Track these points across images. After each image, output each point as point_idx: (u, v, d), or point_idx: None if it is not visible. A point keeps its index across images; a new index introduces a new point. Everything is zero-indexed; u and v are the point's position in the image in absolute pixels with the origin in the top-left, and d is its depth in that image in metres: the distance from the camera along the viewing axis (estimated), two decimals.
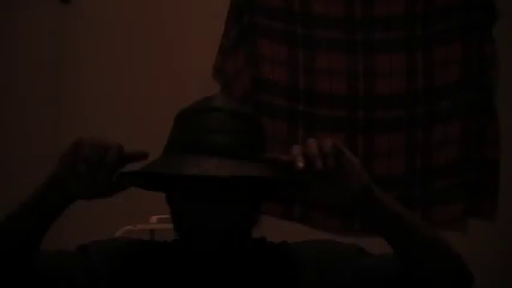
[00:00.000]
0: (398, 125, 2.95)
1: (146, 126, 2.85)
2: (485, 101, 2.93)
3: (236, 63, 2.97)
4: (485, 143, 2.94)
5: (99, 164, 1.33)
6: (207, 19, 2.97)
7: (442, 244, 1.44)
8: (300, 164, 1.27)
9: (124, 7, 2.98)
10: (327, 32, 2.95)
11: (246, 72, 2.96)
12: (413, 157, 2.95)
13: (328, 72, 2.96)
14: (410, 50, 2.94)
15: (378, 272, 1.47)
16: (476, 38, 2.91)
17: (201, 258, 1.49)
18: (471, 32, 2.91)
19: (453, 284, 1.45)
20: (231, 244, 1.46)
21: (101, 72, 2.96)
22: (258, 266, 1.52)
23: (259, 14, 2.96)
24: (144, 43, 2.97)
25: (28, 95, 2.93)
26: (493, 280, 2.90)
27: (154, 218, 2.70)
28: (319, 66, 2.96)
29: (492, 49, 2.92)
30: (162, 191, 1.53)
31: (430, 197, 2.94)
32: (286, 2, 2.95)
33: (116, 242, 1.62)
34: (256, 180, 1.46)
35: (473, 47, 2.91)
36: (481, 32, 2.91)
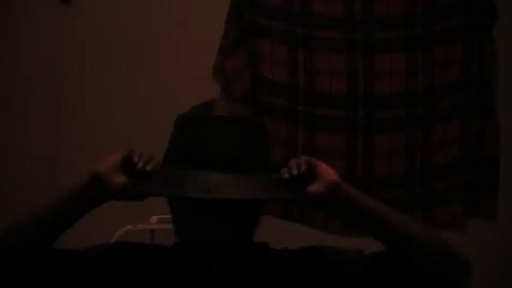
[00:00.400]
0: (398, 125, 2.95)
1: (146, 126, 2.85)
2: (485, 101, 2.93)
3: (236, 63, 2.97)
4: (485, 143, 2.94)
5: (142, 170, 1.43)
6: (207, 19, 2.97)
7: (426, 233, 1.48)
8: (286, 175, 1.47)
9: (124, 7, 2.98)
10: (327, 32, 2.95)
11: (246, 72, 2.96)
12: (413, 157, 2.95)
13: (328, 72, 2.96)
14: (410, 50, 2.94)
15: (379, 273, 1.48)
16: (476, 38, 2.91)
17: (202, 262, 1.49)
18: (471, 32, 2.91)
19: (447, 270, 1.48)
20: (231, 253, 1.46)
21: (100, 72, 2.96)
22: (259, 272, 1.52)
23: (259, 14, 2.96)
24: (143, 43, 2.97)
25: (28, 95, 2.93)
26: (493, 280, 2.90)
27: (154, 218, 2.70)
28: (319, 66, 2.96)
29: (492, 49, 2.92)
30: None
31: (430, 197, 2.94)
32: (286, 2, 2.95)
33: (114, 244, 1.62)
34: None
35: (473, 47, 2.92)
36: (481, 32, 2.91)
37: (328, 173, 1.48)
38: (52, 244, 1.48)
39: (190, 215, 1.46)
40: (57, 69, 2.96)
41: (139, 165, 1.42)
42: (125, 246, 1.58)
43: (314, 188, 1.46)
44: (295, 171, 1.46)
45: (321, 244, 1.59)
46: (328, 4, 2.95)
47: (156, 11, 2.98)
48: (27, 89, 2.94)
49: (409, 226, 1.48)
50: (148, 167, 1.42)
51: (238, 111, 1.51)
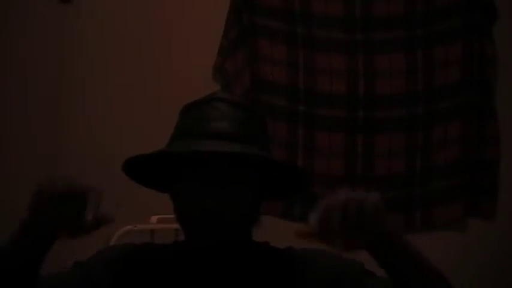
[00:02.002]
0: (398, 125, 2.95)
1: (146, 126, 2.85)
2: (485, 101, 2.93)
3: (236, 63, 2.97)
4: (485, 143, 2.94)
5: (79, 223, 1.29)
6: (207, 19, 2.97)
7: (443, 280, 1.42)
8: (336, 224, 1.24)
9: (124, 7, 2.98)
10: (327, 32, 2.95)
11: (246, 72, 2.97)
12: (413, 157, 2.95)
13: (328, 72, 2.96)
14: (410, 50, 2.94)
15: None
16: (476, 38, 2.91)
17: (202, 260, 1.48)
18: (471, 32, 2.91)
19: None
20: (234, 231, 1.45)
21: (100, 72, 2.96)
22: (260, 269, 1.51)
23: (259, 14, 2.96)
24: (144, 43, 2.97)
25: (28, 95, 2.93)
26: (493, 280, 2.90)
27: (154, 218, 2.70)
28: (319, 66, 2.96)
29: (492, 49, 2.92)
30: (165, 189, 1.53)
31: (430, 197, 2.94)
32: (286, 2, 2.95)
33: (112, 249, 1.60)
34: (257, 164, 1.46)
35: (473, 47, 2.91)
36: (481, 32, 2.91)
37: (380, 222, 1.29)
38: (37, 271, 1.41)
39: (191, 191, 1.44)
40: (57, 69, 2.96)
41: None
42: (121, 249, 1.56)
43: (358, 239, 1.27)
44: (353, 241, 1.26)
45: (327, 250, 1.55)
46: (328, 4, 2.94)
47: (156, 11, 2.98)
48: (27, 88, 2.94)
49: (433, 273, 1.41)
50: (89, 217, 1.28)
51: (238, 98, 1.54)
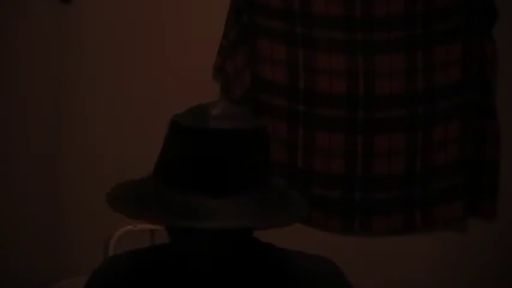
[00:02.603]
0: (398, 125, 2.95)
1: (146, 126, 2.85)
2: (485, 101, 2.94)
3: (236, 63, 2.97)
4: (485, 143, 2.94)
5: None
6: (207, 19, 2.97)
7: None
8: None
9: (124, 7, 2.98)
10: (327, 32, 2.95)
11: (246, 72, 2.97)
12: (413, 157, 2.95)
13: (328, 72, 2.96)
14: (410, 50, 2.94)
15: None
16: (476, 38, 2.91)
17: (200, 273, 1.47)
18: (471, 32, 2.91)
19: None
20: (228, 262, 1.44)
21: (100, 72, 2.96)
22: (254, 273, 1.49)
23: (259, 14, 2.96)
24: (144, 43, 2.97)
25: (28, 95, 2.93)
26: (493, 280, 2.90)
27: None
28: (319, 66, 2.96)
29: (492, 49, 2.92)
30: None
31: (430, 196, 2.94)
32: (286, 2, 2.94)
33: (101, 274, 1.53)
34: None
35: (473, 47, 2.92)
36: (481, 32, 2.91)
37: None
38: None
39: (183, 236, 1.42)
40: (57, 69, 2.96)
41: None
42: (111, 270, 1.54)
43: None
44: None
45: (336, 268, 1.51)
46: (328, 4, 2.94)
47: (156, 11, 2.98)
48: (27, 89, 2.94)
49: None
50: None
51: (234, 117, 1.39)
